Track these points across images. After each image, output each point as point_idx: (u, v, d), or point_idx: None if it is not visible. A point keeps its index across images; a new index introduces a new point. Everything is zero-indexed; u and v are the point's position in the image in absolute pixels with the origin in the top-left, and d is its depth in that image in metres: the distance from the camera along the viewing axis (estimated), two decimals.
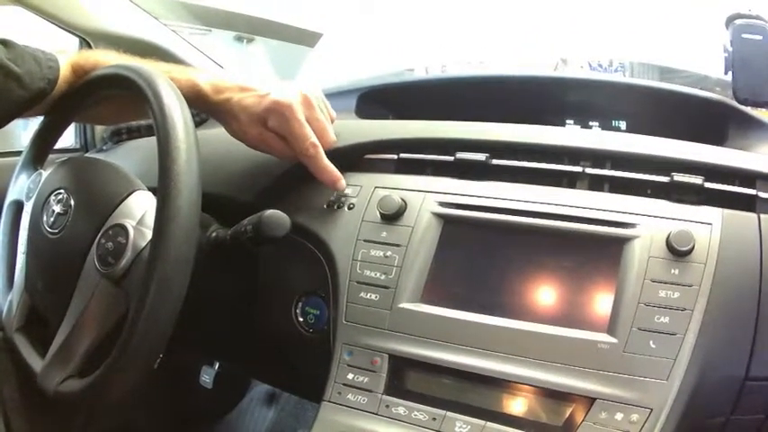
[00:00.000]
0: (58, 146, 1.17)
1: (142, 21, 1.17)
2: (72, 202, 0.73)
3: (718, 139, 0.85)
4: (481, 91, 1.14)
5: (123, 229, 0.67)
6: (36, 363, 0.71)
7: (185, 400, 1.32)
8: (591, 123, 1.17)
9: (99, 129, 1.20)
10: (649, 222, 0.65)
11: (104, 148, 1.16)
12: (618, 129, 1.15)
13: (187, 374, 1.29)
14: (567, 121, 1.17)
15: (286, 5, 3.19)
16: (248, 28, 3.12)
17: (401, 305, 0.68)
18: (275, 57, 3.06)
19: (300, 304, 0.76)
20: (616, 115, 1.15)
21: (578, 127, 1.15)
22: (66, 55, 0.79)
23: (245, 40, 3.20)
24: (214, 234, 0.73)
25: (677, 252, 0.62)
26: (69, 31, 1.10)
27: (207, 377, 1.28)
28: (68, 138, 1.22)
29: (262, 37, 3.15)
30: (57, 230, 0.73)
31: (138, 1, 1.17)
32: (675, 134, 0.75)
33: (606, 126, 1.15)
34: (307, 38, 2.70)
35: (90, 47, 1.11)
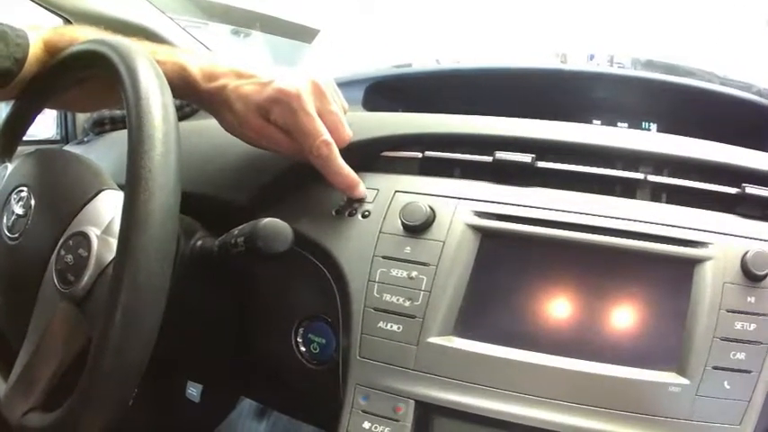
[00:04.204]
0: (39, 137, 1.10)
1: (132, 1, 1.09)
2: (32, 203, 0.63)
3: (759, 148, 0.76)
4: (503, 85, 1.06)
5: (86, 238, 0.57)
6: None
7: (170, 415, 1.23)
8: (619, 124, 1.11)
9: (81, 117, 1.12)
10: (722, 241, 0.57)
11: (85, 139, 1.07)
12: (648, 131, 1.10)
13: (172, 388, 1.21)
14: (595, 121, 1.11)
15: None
16: (245, 21, 3.06)
17: (430, 339, 0.57)
18: (274, 52, 2.99)
19: (302, 330, 0.65)
20: (647, 116, 1.09)
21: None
22: (39, 31, 0.70)
23: (242, 34, 3.14)
24: (199, 243, 0.63)
25: (753, 276, 0.54)
26: (50, 10, 1.02)
27: (193, 390, 1.21)
28: (49, 128, 1.15)
29: (259, 31, 3.07)
30: (16, 235, 0.64)
31: None
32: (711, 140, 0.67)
33: (635, 127, 1.09)
34: (304, 33, 2.65)
35: None
